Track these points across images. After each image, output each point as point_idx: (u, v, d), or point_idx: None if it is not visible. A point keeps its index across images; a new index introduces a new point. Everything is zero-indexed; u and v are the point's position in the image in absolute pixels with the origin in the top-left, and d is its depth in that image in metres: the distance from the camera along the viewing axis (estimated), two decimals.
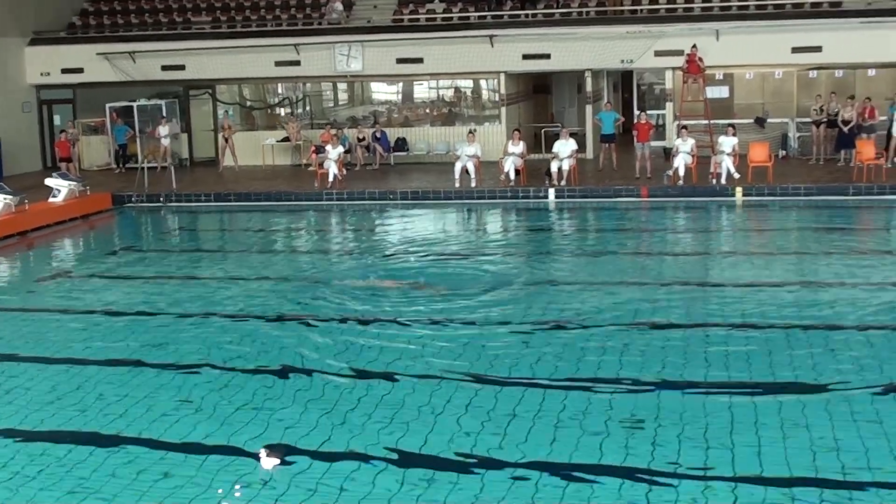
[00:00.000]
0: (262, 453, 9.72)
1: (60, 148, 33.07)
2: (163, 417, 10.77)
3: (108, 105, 35.15)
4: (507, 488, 8.72)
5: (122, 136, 34.89)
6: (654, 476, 8.85)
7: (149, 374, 12.44)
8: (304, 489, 8.84)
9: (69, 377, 12.49)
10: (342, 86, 37.54)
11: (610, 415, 10.32)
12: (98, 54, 35.69)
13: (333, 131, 31.66)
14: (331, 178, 28.47)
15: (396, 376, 11.93)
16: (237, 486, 9.02)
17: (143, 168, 30.37)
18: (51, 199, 26.64)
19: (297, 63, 34.54)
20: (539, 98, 38.47)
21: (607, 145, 30.01)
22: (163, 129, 33.44)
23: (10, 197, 24.60)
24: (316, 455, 9.58)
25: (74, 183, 27.44)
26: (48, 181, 27.27)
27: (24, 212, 25.09)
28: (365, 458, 9.47)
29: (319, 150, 30.49)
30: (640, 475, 8.87)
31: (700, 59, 30.15)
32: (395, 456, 9.51)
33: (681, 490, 8.55)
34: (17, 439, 10.36)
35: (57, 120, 37.37)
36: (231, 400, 11.24)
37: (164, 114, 34.38)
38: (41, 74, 36.77)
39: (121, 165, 34.97)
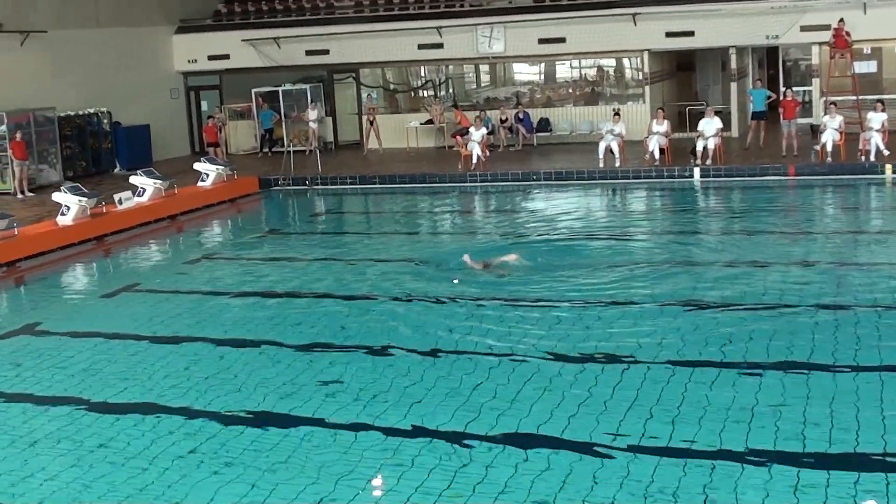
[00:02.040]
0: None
1: (208, 133, 33.64)
2: (310, 398, 10.86)
3: (253, 90, 35.69)
4: (651, 472, 8.55)
5: (268, 120, 35.45)
6: (803, 459, 8.64)
7: (294, 355, 12.59)
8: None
9: (216, 357, 12.71)
10: (484, 67, 37.41)
11: (757, 397, 10.08)
12: (243, 41, 36.23)
13: (475, 114, 31.57)
14: (474, 160, 28.45)
15: (536, 357, 11.84)
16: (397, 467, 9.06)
17: (289, 152, 30.71)
18: (199, 184, 27.12)
19: (440, 46, 34.59)
20: (683, 76, 37.88)
21: (757, 123, 29.41)
22: (312, 113, 33.80)
23: (160, 181, 25.07)
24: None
25: (222, 167, 27.86)
26: (197, 165, 27.76)
27: (173, 196, 25.55)
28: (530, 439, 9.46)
29: (462, 133, 30.50)
30: (789, 459, 8.65)
31: (847, 34, 29.32)
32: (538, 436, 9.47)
33: (832, 476, 8.30)
34: (182, 417, 10.57)
35: (204, 105, 38.08)
36: (375, 382, 11.27)
37: (310, 98, 34.73)
38: (188, 61, 37.52)
39: (267, 149, 35.50)
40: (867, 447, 8.82)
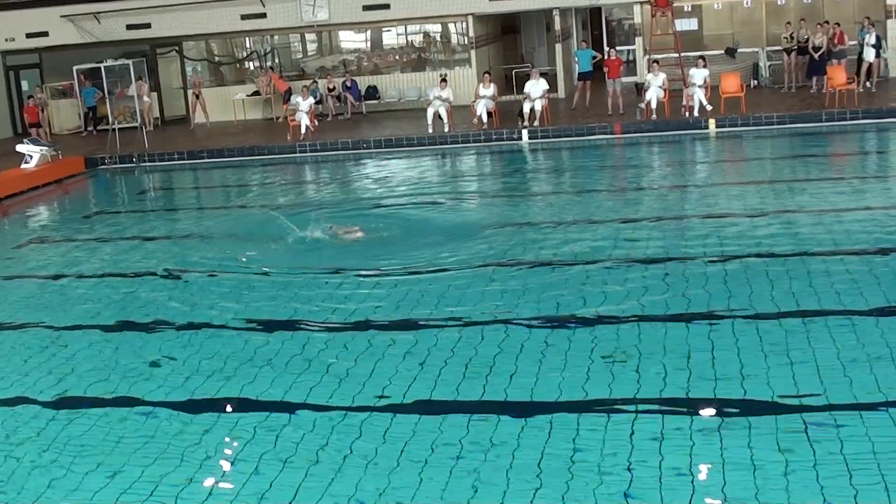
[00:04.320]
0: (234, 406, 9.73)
1: (29, 113, 32.85)
2: (149, 376, 10.73)
3: (75, 67, 34.74)
4: (493, 429, 8.69)
5: (91, 98, 34.66)
6: (638, 406, 8.88)
7: (130, 336, 12.38)
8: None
9: (49, 343, 12.43)
10: (310, 36, 37.25)
11: (593, 350, 10.32)
12: (62, 16, 35.36)
13: (304, 83, 31.41)
14: (303, 130, 28.39)
15: (374, 326, 11.86)
16: (234, 443, 8.99)
17: (114, 129, 30.14)
18: (23, 166, 26.46)
19: (263, 16, 34.30)
20: (508, 39, 38.31)
21: (583, 83, 29.88)
22: (142, 88, 33.01)
23: None
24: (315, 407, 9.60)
25: (46, 148, 27.23)
26: (19, 147, 27.06)
27: None
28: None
29: (286, 100, 30.40)
30: (625, 408, 8.87)
31: None
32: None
33: (665, 421, 8.58)
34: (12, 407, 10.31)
35: (24, 85, 37.11)
36: (217, 356, 11.17)
37: (135, 74, 34.02)
38: (6, 40, 36.44)
39: (91, 128, 34.79)
40: (698, 392, 9.13)
